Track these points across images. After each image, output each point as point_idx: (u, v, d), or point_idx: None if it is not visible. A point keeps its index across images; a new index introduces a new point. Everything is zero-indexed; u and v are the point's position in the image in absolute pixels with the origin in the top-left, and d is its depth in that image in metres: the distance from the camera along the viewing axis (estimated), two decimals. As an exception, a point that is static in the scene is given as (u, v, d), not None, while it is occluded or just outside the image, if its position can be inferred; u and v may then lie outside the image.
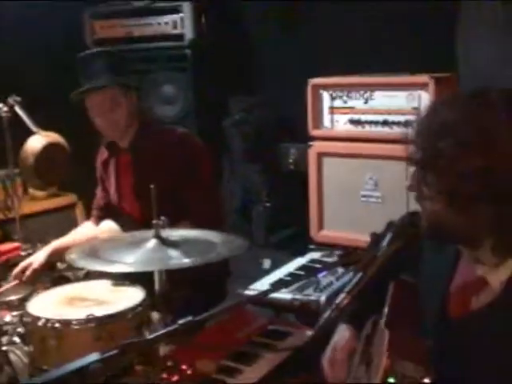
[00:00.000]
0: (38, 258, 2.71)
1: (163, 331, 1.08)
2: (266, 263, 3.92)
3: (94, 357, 0.98)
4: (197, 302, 2.37)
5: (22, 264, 2.68)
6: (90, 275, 2.97)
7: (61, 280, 2.84)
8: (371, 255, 1.29)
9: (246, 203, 4.29)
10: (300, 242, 3.96)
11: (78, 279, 2.87)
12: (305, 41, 4.10)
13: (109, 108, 2.62)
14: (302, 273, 2.70)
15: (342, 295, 1.24)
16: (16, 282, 2.64)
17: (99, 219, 2.94)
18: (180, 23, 4.10)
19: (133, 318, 2.14)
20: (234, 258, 2.98)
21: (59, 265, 3.12)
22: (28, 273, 2.65)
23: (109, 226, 2.82)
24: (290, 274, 2.69)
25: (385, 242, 1.34)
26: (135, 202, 2.74)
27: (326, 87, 3.54)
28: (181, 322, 1.12)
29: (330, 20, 3.98)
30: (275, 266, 3.80)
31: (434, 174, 1.38)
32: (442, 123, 1.38)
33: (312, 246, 3.64)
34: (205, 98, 4.22)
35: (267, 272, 3.64)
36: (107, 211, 2.94)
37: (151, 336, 1.08)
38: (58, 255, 2.76)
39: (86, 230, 2.91)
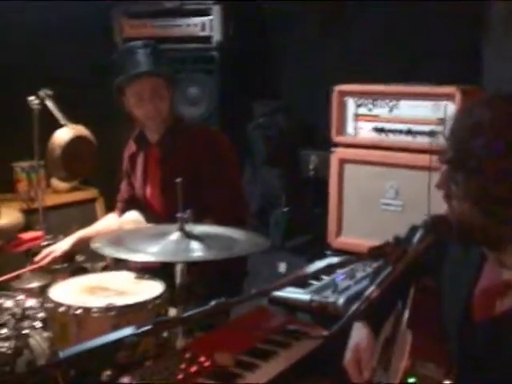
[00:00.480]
0: (62, 246, 2.75)
1: (196, 310, 1.09)
2: (282, 267, 3.93)
3: (129, 330, 1.00)
4: (214, 298, 2.38)
5: (46, 250, 2.72)
6: (108, 268, 3.01)
7: (79, 271, 2.87)
8: (402, 249, 1.30)
9: (265, 207, 4.30)
10: (316, 248, 3.97)
11: (96, 271, 2.91)
12: (331, 47, 4.12)
13: (155, 96, 2.64)
14: (321, 276, 2.69)
15: (372, 287, 1.25)
16: (34, 266, 2.67)
17: (123, 212, 2.97)
18: (209, 25, 4.13)
19: (151, 309, 2.16)
20: (250, 261, 3.03)
21: (78, 257, 3.16)
22: (49, 258, 2.68)
23: (133, 216, 2.84)
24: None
25: (416, 238, 1.35)
26: (161, 196, 2.76)
27: (351, 94, 3.56)
28: (213, 302, 1.14)
29: (357, 28, 4.00)
30: (291, 270, 3.83)
31: (463, 173, 1.38)
32: (477, 122, 1.38)
33: (329, 252, 3.65)
34: (229, 100, 4.24)
35: (282, 275, 3.68)
36: (131, 205, 2.96)
37: (184, 315, 1.09)
38: (81, 245, 2.79)
39: (110, 222, 2.95)
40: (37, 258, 2.71)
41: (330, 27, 4.14)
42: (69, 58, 4.16)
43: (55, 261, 2.73)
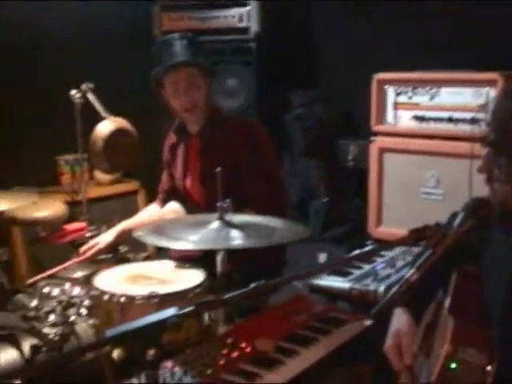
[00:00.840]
0: (106, 238, 2.80)
1: (237, 292, 1.11)
2: (322, 257, 3.92)
3: (172, 311, 1.03)
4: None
5: (91, 242, 2.78)
6: (150, 258, 3.06)
7: (123, 261, 2.93)
8: (442, 233, 1.30)
9: (304, 198, 4.31)
10: (356, 238, 3.97)
11: (138, 261, 2.96)
12: (369, 35, 4.10)
13: (191, 86, 2.66)
14: (361, 264, 2.69)
15: (412, 270, 1.25)
16: (79, 258, 2.73)
17: (164, 202, 3.02)
18: (246, 17, 4.15)
19: (193, 297, 2.20)
20: (289, 251, 3.04)
21: (121, 247, 3.22)
22: (93, 250, 2.74)
23: (174, 207, 2.88)
24: (348, 265, 2.69)
25: (457, 222, 1.34)
26: (201, 187, 2.79)
27: (391, 82, 3.53)
28: (253, 284, 1.16)
29: (396, 14, 3.96)
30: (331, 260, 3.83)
31: (506, 155, 1.37)
32: None
33: (369, 242, 3.64)
34: (267, 91, 4.25)
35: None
36: (172, 195, 3.00)
37: (225, 296, 1.12)
38: (124, 236, 2.85)
39: (151, 213, 3.00)
40: (82, 250, 2.77)
41: (369, 15, 4.11)
42: (109, 52, 4.23)
43: (100, 252, 2.79)
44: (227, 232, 2.12)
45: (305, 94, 4.31)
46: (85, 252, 2.76)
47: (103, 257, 3.09)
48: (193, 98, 2.67)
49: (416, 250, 2.61)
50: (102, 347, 1.28)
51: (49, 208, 3.39)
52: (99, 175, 4.20)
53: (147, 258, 3.04)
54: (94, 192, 3.91)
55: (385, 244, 1.48)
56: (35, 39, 3.97)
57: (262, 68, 4.21)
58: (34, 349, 2.20)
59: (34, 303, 2.29)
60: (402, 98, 3.50)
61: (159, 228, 2.25)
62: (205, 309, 1.05)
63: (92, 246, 2.77)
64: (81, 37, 4.17)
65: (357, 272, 2.60)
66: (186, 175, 2.86)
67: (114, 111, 3.27)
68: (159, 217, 2.87)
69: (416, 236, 1.28)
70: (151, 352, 1.03)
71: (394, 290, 1.23)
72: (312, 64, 4.54)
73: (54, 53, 4.04)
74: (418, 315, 1.76)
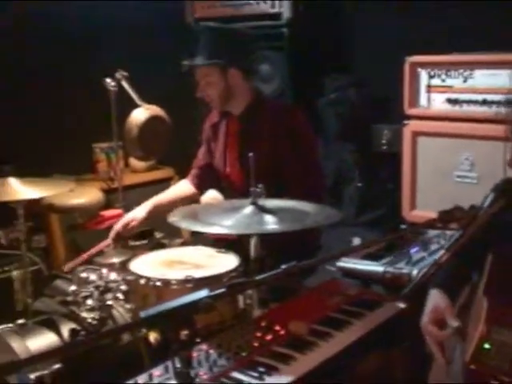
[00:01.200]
0: (137, 214, 2.85)
1: (268, 274, 1.13)
2: (356, 241, 3.91)
3: (204, 293, 1.05)
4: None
5: (124, 220, 2.82)
6: (186, 244, 3.10)
7: (158, 247, 2.97)
8: (472, 214, 1.29)
9: (338, 182, 4.30)
10: (391, 222, 3.94)
11: (174, 247, 3.00)
12: (402, 18, 4.04)
13: (206, 84, 2.77)
14: (394, 247, 2.68)
15: (442, 252, 1.25)
16: (108, 242, 2.76)
17: (196, 178, 3.06)
18: (278, 2, 4.13)
19: (227, 281, 2.21)
20: (323, 236, 3.04)
21: (157, 233, 3.27)
22: (129, 228, 2.79)
23: (213, 194, 2.89)
24: (381, 248, 2.68)
25: (487, 203, 1.33)
26: (240, 169, 2.83)
27: (424, 65, 3.49)
28: (284, 266, 1.17)
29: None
30: (365, 244, 3.81)
31: None
32: None
33: (403, 226, 3.61)
34: (300, 76, 4.23)
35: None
36: (205, 172, 3.04)
37: (257, 278, 1.13)
38: (156, 212, 2.90)
39: (182, 188, 3.06)
40: (115, 228, 2.81)
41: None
42: (143, 40, 4.26)
43: (133, 229, 2.83)
44: (260, 217, 2.14)
45: (338, 78, 4.28)
46: (119, 234, 2.80)
47: (138, 243, 3.15)
48: (208, 94, 2.79)
49: (449, 232, 2.61)
50: (135, 328, 1.30)
51: (86, 195, 3.46)
52: (134, 162, 4.25)
53: (182, 244, 3.08)
54: (130, 179, 3.97)
55: (415, 226, 1.47)
56: (73, 29, 4.02)
57: (294, 53, 4.19)
58: (73, 333, 2.26)
59: (72, 288, 2.35)
60: (435, 81, 3.46)
61: (193, 213, 2.28)
62: (237, 290, 1.06)
63: (126, 224, 2.82)
64: (115, 24, 4.21)
65: (390, 255, 2.59)
66: (226, 155, 2.91)
67: (148, 99, 3.30)
68: (189, 194, 2.99)
69: (445, 218, 1.28)
70: (184, 333, 1.06)
71: (424, 270, 1.23)
72: (345, 49, 4.51)
73: (87, 41, 4.08)
74: (454, 297, 1.75)
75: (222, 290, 1.07)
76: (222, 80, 2.74)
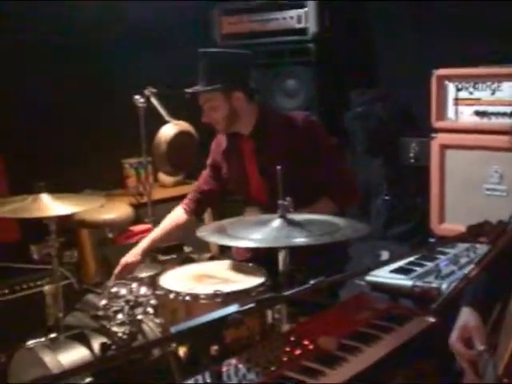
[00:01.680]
0: (133, 258, 2.83)
1: (297, 289, 1.13)
2: (384, 255, 3.89)
3: (233, 308, 1.05)
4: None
5: (122, 263, 2.81)
6: (214, 258, 3.11)
7: (187, 261, 2.99)
8: (502, 228, 1.28)
9: (366, 196, 4.28)
10: (419, 236, 3.92)
11: (202, 261, 3.01)
12: (428, 30, 4.03)
13: (209, 109, 2.73)
14: (423, 262, 2.66)
15: (471, 266, 1.24)
16: (115, 282, 2.69)
17: (194, 203, 2.98)
18: (304, 17, 4.15)
19: (255, 296, 2.22)
20: (351, 249, 3.03)
21: (186, 248, 3.28)
22: (126, 272, 2.79)
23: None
24: (410, 263, 2.67)
25: (517, 216, 1.32)
26: (263, 188, 2.79)
27: (451, 78, 3.48)
28: (313, 281, 1.17)
29: (455, 9, 3.88)
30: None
31: None
32: None
33: (432, 240, 3.59)
34: (327, 90, 4.25)
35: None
36: (206, 197, 2.99)
37: (286, 293, 1.13)
38: (154, 247, 2.94)
39: (177, 217, 2.99)
40: (116, 271, 2.80)
41: (426, 11, 4.05)
42: (171, 56, 4.29)
43: (131, 272, 2.80)
44: (289, 230, 2.14)
45: (365, 92, 4.28)
46: (118, 274, 2.79)
47: (168, 257, 3.16)
48: (212, 118, 2.75)
49: (479, 246, 2.58)
50: (166, 343, 1.31)
51: (115, 210, 3.49)
52: (163, 177, 4.30)
53: (211, 259, 3.10)
54: (158, 194, 3.99)
55: (443, 240, 1.46)
56: (101, 46, 4.08)
57: (321, 68, 4.21)
58: (104, 347, 2.27)
59: (103, 303, 2.37)
60: (463, 94, 3.44)
61: (221, 228, 2.28)
62: (265, 305, 1.07)
63: (122, 269, 2.81)
64: (142, 41, 4.27)
65: (419, 269, 2.57)
66: (247, 178, 2.86)
67: (176, 115, 3.34)
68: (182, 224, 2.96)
69: (474, 232, 1.27)
70: (214, 348, 1.06)
71: (454, 285, 1.22)
72: (371, 62, 4.51)
73: (115, 58, 4.13)
74: (486, 315, 1.73)
75: (251, 305, 1.07)
76: (226, 103, 2.70)
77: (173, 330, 1.03)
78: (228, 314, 1.04)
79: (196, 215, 3.00)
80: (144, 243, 2.90)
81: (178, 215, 3.00)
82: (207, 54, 2.75)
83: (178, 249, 3.20)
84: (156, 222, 3.37)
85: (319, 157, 2.71)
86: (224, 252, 3.50)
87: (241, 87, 2.71)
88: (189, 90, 2.74)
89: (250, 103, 2.74)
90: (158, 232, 2.95)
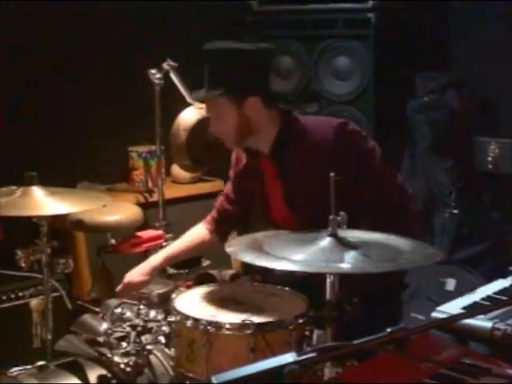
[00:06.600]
0: (138, 277, 2.84)
1: (371, 337, 1.12)
2: (450, 284, 3.88)
3: (289, 357, 1.04)
4: (368, 320, 2.41)
5: (125, 281, 2.83)
6: (238, 276, 3.10)
7: (205, 277, 2.98)
8: None
9: (428, 207, 4.27)
10: (496, 260, 3.89)
11: (223, 279, 3.01)
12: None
13: (215, 117, 2.70)
14: (505, 298, 2.65)
15: None
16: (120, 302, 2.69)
17: (215, 224, 2.98)
18: (365, -20, 4.14)
19: (294, 329, 2.22)
20: (410, 275, 3.02)
21: (203, 260, 3.29)
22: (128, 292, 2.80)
23: None
24: (489, 298, 2.65)
25: None
26: (287, 212, 2.75)
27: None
28: (390, 329, 1.16)
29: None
30: (461, 288, 3.77)
31: None
32: None
33: (513, 267, 3.57)
34: (387, 73, 4.22)
35: (451, 294, 3.62)
36: (226, 217, 2.98)
37: (356, 341, 1.12)
38: (168, 265, 2.98)
39: (200, 235, 3.00)
40: (118, 289, 2.84)
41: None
42: (196, 27, 4.30)
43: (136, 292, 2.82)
44: (340, 251, 2.13)
45: (434, 77, 4.27)
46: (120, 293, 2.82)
47: (180, 271, 3.17)
48: (218, 130, 2.72)
49: None
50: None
51: (121, 211, 3.45)
52: (176, 171, 4.19)
53: (235, 277, 3.09)
54: (171, 191, 3.95)
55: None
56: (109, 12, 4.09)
57: (381, 44, 4.18)
58: (102, 380, 2.29)
59: (105, 326, 2.38)
60: None
61: (256, 243, 2.28)
62: (329, 356, 1.05)
63: (125, 288, 2.83)
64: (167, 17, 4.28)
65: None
66: (271, 206, 2.83)
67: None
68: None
69: None
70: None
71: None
72: (444, 41, 4.49)
73: (131, 27, 4.14)
74: None
75: (311, 354, 1.06)
76: (236, 112, 2.63)
77: (214, 380, 1.02)
78: (284, 365, 1.02)
79: (218, 235, 2.99)
80: (155, 260, 2.90)
81: (201, 233, 3.00)
82: (210, 52, 2.67)
83: (195, 262, 3.21)
84: (168, 228, 3.38)
85: (361, 177, 2.63)
86: (250, 267, 3.49)
87: (256, 91, 2.64)
88: (192, 96, 2.71)
89: (269, 112, 2.67)
90: (175, 248, 2.96)
